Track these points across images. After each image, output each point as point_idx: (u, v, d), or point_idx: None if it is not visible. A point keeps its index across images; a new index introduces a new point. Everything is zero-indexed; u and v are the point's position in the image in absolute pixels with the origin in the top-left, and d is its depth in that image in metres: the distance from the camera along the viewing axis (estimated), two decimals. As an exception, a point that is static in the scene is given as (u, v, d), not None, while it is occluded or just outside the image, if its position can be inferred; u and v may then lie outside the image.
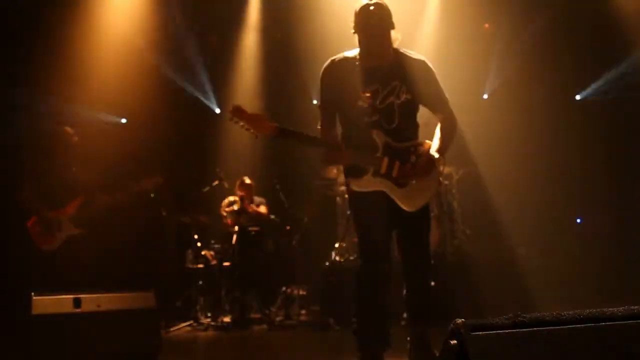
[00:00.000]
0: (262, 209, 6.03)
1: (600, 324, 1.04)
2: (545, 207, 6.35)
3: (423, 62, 2.70)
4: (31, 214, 4.11)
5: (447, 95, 2.75)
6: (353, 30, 2.63)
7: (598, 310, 1.06)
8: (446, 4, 6.49)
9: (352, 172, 2.67)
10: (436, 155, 2.64)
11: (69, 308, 3.27)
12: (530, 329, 1.00)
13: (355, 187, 2.65)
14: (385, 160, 2.59)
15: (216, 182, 5.88)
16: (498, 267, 5.26)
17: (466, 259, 5.43)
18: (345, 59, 2.68)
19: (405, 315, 2.90)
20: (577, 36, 6.48)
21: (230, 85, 7.33)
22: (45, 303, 3.23)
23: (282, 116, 7.57)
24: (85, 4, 5.75)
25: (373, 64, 2.64)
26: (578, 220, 6.63)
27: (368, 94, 2.61)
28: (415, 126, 2.78)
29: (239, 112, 2.46)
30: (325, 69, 2.71)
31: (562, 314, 1.05)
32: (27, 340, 3.28)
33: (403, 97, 2.64)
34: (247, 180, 6.11)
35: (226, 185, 5.94)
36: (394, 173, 2.59)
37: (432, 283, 2.83)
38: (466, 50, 6.36)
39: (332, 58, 2.71)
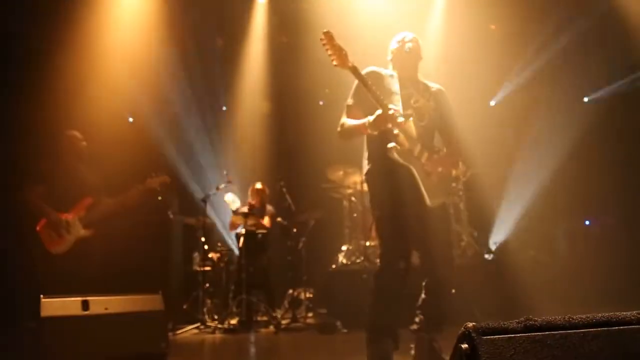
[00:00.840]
0: (265, 221, 6.01)
1: (613, 328, 1.03)
2: (553, 208, 6.32)
3: (443, 92, 2.99)
4: (40, 217, 4.13)
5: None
6: (390, 58, 2.99)
7: (611, 314, 1.06)
8: (451, 7, 6.49)
9: (393, 139, 2.73)
10: (457, 157, 2.90)
11: (77, 310, 3.29)
12: (542, 333, 1.00)
13: (396, 154, 2.69)
14: (419, 145, 2.76)
15: (223, 185, 5.89)
16: (506, 270, 5.24)
17: (473, 261, 5.42)
18: (384, 71, 2.95)
19: (417, 319, 2.83)
20: (586, 37, 6.45)
21: (236, 88, 7.36)
22: (54, 305, 3.24)
23: (289, 117, 7.68)
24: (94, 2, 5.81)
25: (406, 75, 2.94)
26: (587, 222, 6.59)
27: (404, 94, 2.84)
28: (433, 137, 2.95)
29: (329, 36, 2.62)
30: (368, 71, 2.87)
31: (574, 317, 1.05)
32: (36, 342, 3.30)
33: (432, 104, 2.90)
34: (259, 186, 6.10)
35: (233, 187, 5.95)
36: (423, 160, 2.76)
37: (453, 290, 2.92)
38: (473, 52, 6.35)
39: (372, 68, 2.92)
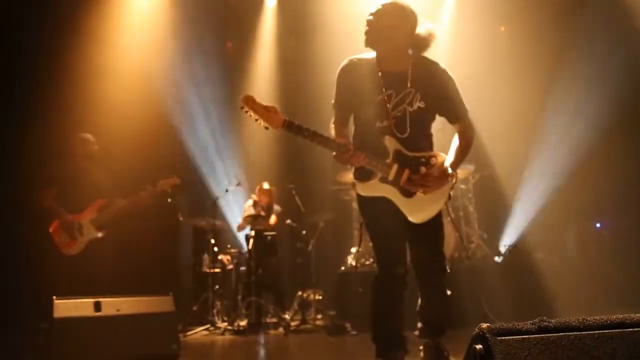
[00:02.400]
0: (272, 220, 6.03)
1: (627, 329, 1.03)
2: (563, 211, 6.28)
3: (443, 71, 2.63)
4: (53, 218, 4.18)
5: (466, 106, 2.67)
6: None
7: (625, 315, 1.06)
8: (461, 8, 6.49)
9: (359, 175, 2.59)
10: (449, 170, 2.55)
11: (89, 312, 3.32)
12: (556, 334, 1.00)
13: (360, 191, 2.59)
14: (395, 167, 2.51)
15: (233, 187, 5.91)
16: (515, 272, 5.22)
17: (482, 262, 5.41)
18: (363, 60, 2.64)
19: (418, 325, 2.77)
20: (597, 32, 6.41)
21: (246, 90, 7.39)
22: (67, 306, 3.28)
23: (298, 119, 7.68)
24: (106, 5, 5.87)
25: (389, 69, 2.59)
26: (597, 225, 6.55)
27: (382, 99, 2.55)
28: (428, 136, 2.68)
29: (249, 102, 2.44)
30: (343, 68, 2.65)
31: (588, 319, 1.05)
32: (48, 343, 3.33)
33: (416, 105, 2.56)
34: (266, 186, 6.14)
35: (243, 190, 5.97)
36: (402, 182, 2.51)
37: (449, 292, 2.72)
38: (481, 53, 6.34)
39: (351, 58, 2.66)
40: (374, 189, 2.55)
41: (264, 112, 2.43)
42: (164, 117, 6.32)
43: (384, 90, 2.57)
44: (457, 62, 2.80)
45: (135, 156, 5.37)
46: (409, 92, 2.56)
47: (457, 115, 2.66)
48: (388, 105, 2.54)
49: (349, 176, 5.94)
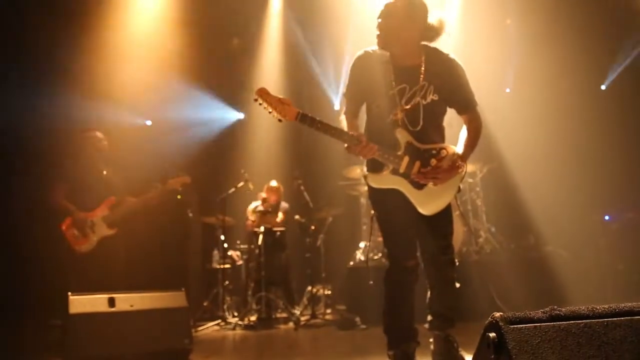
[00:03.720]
0: (279, 218, 6.07)
1: (635, 317, 1.06)
2: (572, 203, 6.28)
3: (453, 61, 2.66)
4: (65, 216, 4.23)
5: (476, 98, 2.69)
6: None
7: (633, 304, 1.08)
8: (467, 1, 6.48)
9: (371, 167, 2.64)
10: (459, 162, 2.58)
11: (104, 307, 3.38)
12: (567, 322, 1.03)
13: (371, 182, 2.62)
14: (406, 159, 2.54)
15: (241, 184, 5.96)
16: (524, 265, 5.23)
17: (491, 256, 5.42)
18: (378, 52, 2.64)
19: (428, 318, 2.77)
20: (602, 25, 6.39)
21: (253, 87, 7.41)
22: (82, 302, 3.34)
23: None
24: (113, 5, 5.91)
25: (402, 64, 2.61)
26: (606, 218, 6.53)
27: (394, 93, 2.57)
28: (440, 129, 2.71)
29: (263, 93, 2.46)
30: (357, 58, 2.66)
31: (597, 307, 1.08)
32: (63, 338, 3.39)
33: (429, 98, 2.58)
34: (274, 184, 6.19)
35: (251, 186, 6.01)
36: (413, 174, 2.55)
37: (458, 285, 2.73)
38: (488, 45, 6.33)
39: (366, 49, 2.66)
40: (386, 180, 2.58)
41: (278, 104, 2.44)
42: (172, 115, 6.37)
43: (394, 84, 2.58)
44: (465, 56, 2.80)
45: (145, 153, 5.43)
46: (422, 86, 2.58)
47: (466, 105, 2.69)
48: (401, 99, 2.57)
49: (357, 171, 6.03)
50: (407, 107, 2.57)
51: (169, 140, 6.36)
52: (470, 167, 5.72)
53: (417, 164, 2.54)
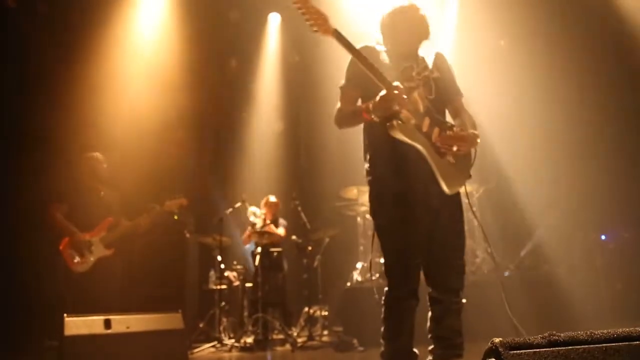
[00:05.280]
0: (280, 231, 6.06)
1: (634, 342, 1.06)
2: (569, 223, 6.30)
3: (442, 55, 2.68)
4: (63, 235, 4.23)
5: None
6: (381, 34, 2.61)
7: (631, 329, 1.09)
8: (462, 22, 6.59)
9: (396, 117, 2.37)
10: (476, 133, 2.48)
11: (99, 329, 3.35)
12: (565, 348, 1.04)
13: (398, 133, 2.34)
14: (427, 119, 2.40)
15: (238, 204, 5.95)
16: (520, 285, 5.22)
17: (489, 277, 5.41)
18: (377, 47, 2.60)
19: (430, 348, 2.58)
20: (600, 46, 6.48)
21: (250, 107, 7.47)
22: (77, 324, 3.32)
23: (302, 136, 7.77)
24: (112, 23, 5.98)
25: (402, 55, 2.58)
26: (603, 237, 6.56)
27: (404, 68, 2.52)
28: (445, 110, 2.63)
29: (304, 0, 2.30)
30: (359, 48, 2.52)
31: (596, 332, 1.08)
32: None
33: (435, 73, 2.57)
34: (273, 199, 6.19)
35: (248, 206, 6.01)
36: (434, 138, 2.40)
37: (464, 300, 2.56)
38: (482, 67, 6.41)
39: (364, 43, 2.59)
40: (412, 134, 2.37)
41: (318, 15, 2.31)
42: (170, 135, 6.40)
43: (402, 64, 2.54)
44: (459, 76, 2.82)
45: (142, 174, 5.44)
46: (425, 65, 2.57)
47: (456, 94, 2.66)
48: (412, 72, 2.51)
49: (353, 192, 6.05)
50: (419, 77, 2.51)
51: (167, 159, 6.37)
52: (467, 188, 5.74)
53: (437, 129, 2.42)
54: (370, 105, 2.34)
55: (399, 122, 2.33)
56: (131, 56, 6.13)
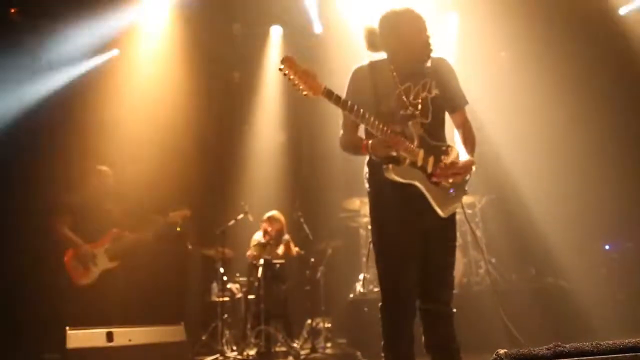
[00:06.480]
0: (280, 250, 6.03)
1: (639, 353, 1.06)
2: (572, 233, 6.28)
3: (445, 60, 2.68)
4: (68, 247, 4.23)
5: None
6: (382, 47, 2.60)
7: (638, 339, 1.08)
8: (463, 34, 6.62)
9: (393, 160, 2.45)
10: (471, 157, 2.55)
11: (102, 342, 3.35)
12: (571, 359, 1.03)
13: (394, 175, 2.42)
14: (421, 152, 2.46)
15: (241, 216, 5.95)
16: (525, 296, 5.20)
17: (492, 288, 5.38)
18: (377, 62, 2.63)
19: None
20: (599, 55, 6.50)
21: (252, 120, 7.50)
22: (80, 337, 3.31)
23: (304, 148, 7.78)
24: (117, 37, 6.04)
25: (403, 65, 2.59)
26: (606, 247, 6.53)
27: (401, 91, 2.53)
28: (444, 126, 2.65)
29: (289, 63, 2.28)
30: (358, 69, 2.61)
31: (602, 343, 1.07)
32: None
33: (434, 92, 2.57)
34: (276, 215, 6.14)
35: (251, 218, 6.00)
36: (430, 167, 2.47)
37: (454, 310, 2.57)
38: (483, 79, 6.43)
39: (363, 63, 2.62)
40: (407, 173, 2.45)
41: (306, 76, 2.28)
42: (173, 147, 6.41)
43: (399, 84, 2.55)
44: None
45: (146, 186, 5.45)
46: (425, 82, 2.58)
47: (460, 104, 2.69)
48: (408, 96, 2.53)
49: (356, 203, 6.05)
50: (415, 101, 2.53)
51: (170, 171, 6.38)
52: (469, 199, 5.74)
53: (431, 159, 2.49)
54: (369, 147, 2.44)
55: (395, 165, 2.42)
56: (135, 69, 6.17)
